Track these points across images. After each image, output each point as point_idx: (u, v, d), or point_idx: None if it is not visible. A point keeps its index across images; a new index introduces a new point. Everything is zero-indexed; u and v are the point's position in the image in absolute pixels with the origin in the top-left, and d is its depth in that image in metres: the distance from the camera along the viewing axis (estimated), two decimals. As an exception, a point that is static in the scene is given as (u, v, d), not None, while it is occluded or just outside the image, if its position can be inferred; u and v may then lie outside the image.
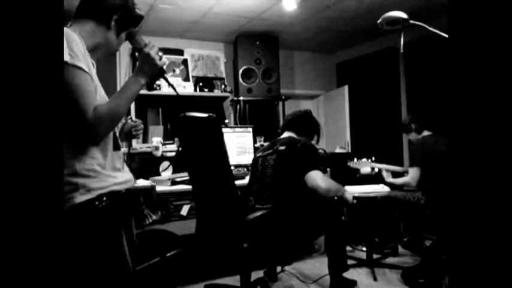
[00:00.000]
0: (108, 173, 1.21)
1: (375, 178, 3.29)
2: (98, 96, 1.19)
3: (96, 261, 1.16)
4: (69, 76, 1.09)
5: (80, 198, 1.13)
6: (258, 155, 2.47)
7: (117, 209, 1.22)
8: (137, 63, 1.28)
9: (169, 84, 1.39)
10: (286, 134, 2.46)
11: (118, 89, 1.25)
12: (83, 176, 1.14)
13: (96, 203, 1.15)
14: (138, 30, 1.37)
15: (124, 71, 4.28)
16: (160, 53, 1.28)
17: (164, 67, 1.31)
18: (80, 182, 1.13)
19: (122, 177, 1.26)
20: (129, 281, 1.23)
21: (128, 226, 1.31)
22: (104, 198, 1.17)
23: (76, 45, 1.13)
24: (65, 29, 1.15)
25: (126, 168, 1.34)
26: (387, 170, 3.17)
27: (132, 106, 3.80)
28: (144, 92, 3.88)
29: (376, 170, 3.26)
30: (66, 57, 1.09)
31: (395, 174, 3.05)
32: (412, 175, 2.92)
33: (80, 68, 1.11)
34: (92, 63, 1.24)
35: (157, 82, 4.02)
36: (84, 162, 1.15)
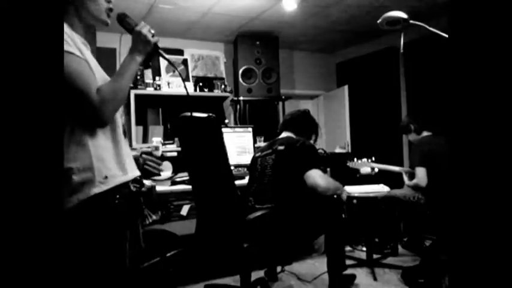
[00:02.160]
0: (119, 162, 1.23)
1: (375, 178, 3.29)
2: (97, 78, 1.19)
3: (98, 258, 1.17)
4: (65, 63, 1.08)
5: (97, 189, 1.14)
6: (257, 155, 2.47)
7: (128, 205, 1.24)
8: (131, 42, 1.27)
9: (166, 60, 1.37)
10: (284, 134, 2.47)
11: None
12: (98, 159, 1.16)
13: (111, 196, 1.17)
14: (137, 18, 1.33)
15: (124, 71, 4.28)
16: (152, 31, 1.28)
17: (158, 44, 1.30)
18: (96, 166, 1.15)
19: (130, 166, 1.28)
20: (123, 281, 1.25)
21: (135, 226, 1.32)
22: (117, 196, 1.19)
23: (69, 34, 1.14)
24: None
25: (133, 162, 1.36)
26: (406, 173, 3.15)
27: (132, 106, 3.80)
28: (144, 91, 3.88)
29: (376, 170, 3.25)
30: None
31: (412, 176, 3.02)
32: (421, 175, 2.89)
33: (73, 54, 1.12)
34: (85, 44, 1.24)
35: (157, 82, 4.02)
36: (98, 148, 1.17)
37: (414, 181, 2.94)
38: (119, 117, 1.31)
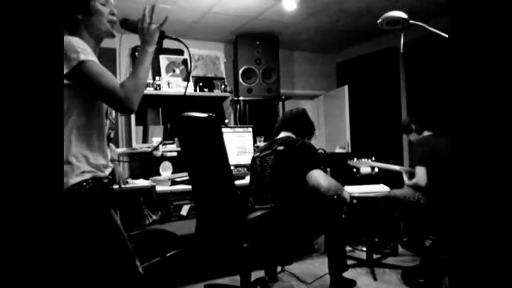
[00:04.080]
0: (97, 159, 1.37)
1: (375, 178, 3.29)
2: None
3: (96, 238, 1.30)
4: (91, 69, 1.26)
5: (73, 180, 1.28)
6: (256, 155, 2.47)
7: (102, 191, 1.38)
8: (139, 38, 1.43)
9: (175, 39, 1.53)
10: (283, 134, 2.46)
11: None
12: (77, 158, 1.31)
13: (84, 184, 1.31)
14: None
15: (124, 71, 4.28)
16: (152, 20, 1.42)
17: (161, 29, 1.44)
18: (74, 163, 1.30)
19: (106, 167, 1.43)
20: (127, 252, 1.37)
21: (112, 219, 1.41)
22: (90, 181, 1.32)
23: (83, 45, 1.29)
24: (69, 36, 1.30)
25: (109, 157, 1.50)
26: (406, 172, 3.14)
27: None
28: (144, 91, 3.87)
29: (376, 169, 3.25)
30: (82, 57, 1.24)
31: (412, 176, 3.02)
32: (420, 175, 2.89)
33: (93, 60, 1.28)
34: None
35: (158, 82, 4.02)
36: (81, 149, 1.32)
37: (414, 180, 2.94)
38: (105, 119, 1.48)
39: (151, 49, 1.41)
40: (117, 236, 1.35)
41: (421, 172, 2.88)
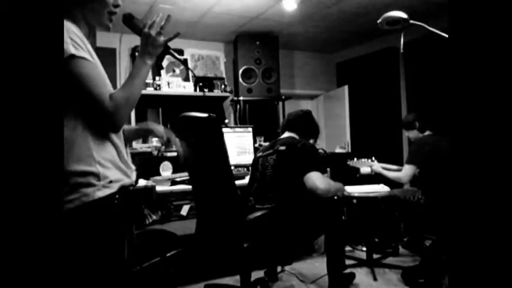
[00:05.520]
0: (122, 167, 1.22)
1: (375, 178, 3.29)
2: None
3: (98, 256, 1.17)
4: (79, 68, 1.08)
5: (101, 192, 1.14)
6: (259, 155, 2.47)
7: (127, 206, 1.24)
8: (140, 45, 1.24)
9: (178, 59, 1.37)
10: (286, 134, 2.47)
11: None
12: (102, 165, 1.15)
13: (111, 197, 1.17)
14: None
15: (124, 71, 4.28)
16: (161, 29, 1.25)
17: (168, 43, 1.28)
18: (101, 171, 1.14)
19: (130, 170, 1.29)
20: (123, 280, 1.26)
21: (129, 226, 1.32)
22: (117, 196, 1.18)
23: (76, 35, 1.10)
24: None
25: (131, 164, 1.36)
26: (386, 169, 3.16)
27: (132, 106, 3.80)
28: (144, 91, 3.87)
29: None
30: (72, 50, 1.06)
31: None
32: (405, 172, 2.91)
33: (85, 59, 1.10)
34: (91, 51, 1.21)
35: (158, 82, 4.02)
36: (101, 153, 1.16)
37: (397, 174, 2.95)
38: None
39: (151, 61, 1.23)
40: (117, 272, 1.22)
41: (408, 170, 2.91)
